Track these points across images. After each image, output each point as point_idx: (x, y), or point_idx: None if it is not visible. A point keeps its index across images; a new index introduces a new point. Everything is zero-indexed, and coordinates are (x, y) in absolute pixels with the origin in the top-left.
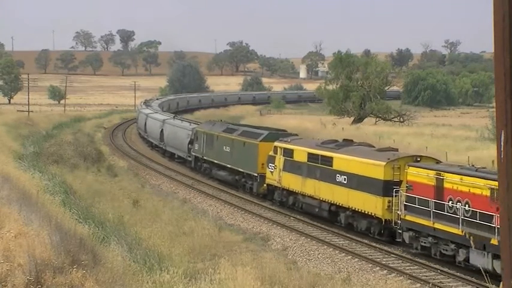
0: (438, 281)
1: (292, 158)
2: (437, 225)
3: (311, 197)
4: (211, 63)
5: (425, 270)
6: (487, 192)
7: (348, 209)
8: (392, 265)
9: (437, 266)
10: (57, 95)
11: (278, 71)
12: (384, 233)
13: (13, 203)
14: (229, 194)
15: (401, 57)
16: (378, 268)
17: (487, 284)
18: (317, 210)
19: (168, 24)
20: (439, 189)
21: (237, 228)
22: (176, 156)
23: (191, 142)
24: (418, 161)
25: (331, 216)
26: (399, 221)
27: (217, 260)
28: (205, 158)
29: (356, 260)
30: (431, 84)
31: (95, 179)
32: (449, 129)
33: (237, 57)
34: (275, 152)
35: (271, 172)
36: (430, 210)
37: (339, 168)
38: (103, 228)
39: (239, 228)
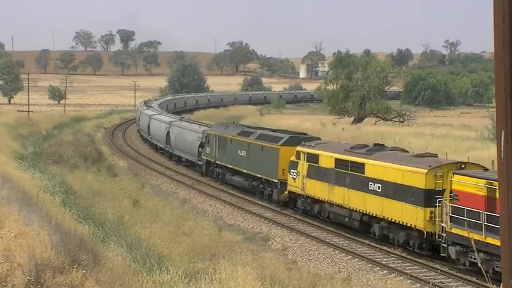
0: (438, 281)
1: (318, 163)
2: (491, 240)
3: (340, 206)
4: (211, 63)
5: (425, 270)
6: None
7: (382, 219)
8: (392, 265)
9: (437, 266)
10: (57, 95)
11: (278, 71)
12: (425, 246)
13: (13, 203)
14: (229, 194)
15: (401, 57)
16: (378, 268)
17: (487, 284)
18: (347, 220)
19: (168, 24)
20: (491, 200)
21: (237, 228)
22: (184, 159)
23: (202, 145)
24: (463, 168)
25: (363, 227)
26: (444, 234)
27: (217, 260)
28: (217, 162)
29: (356, 260)
30: (431, 84)
31: (95, 179)
32: (449, 129)
33: (237, 57)
34: (298, 157)
35: (294, 179)
36: (481, 223)
37: (372, 176)
38: (103, 228)
39: (239, 228)
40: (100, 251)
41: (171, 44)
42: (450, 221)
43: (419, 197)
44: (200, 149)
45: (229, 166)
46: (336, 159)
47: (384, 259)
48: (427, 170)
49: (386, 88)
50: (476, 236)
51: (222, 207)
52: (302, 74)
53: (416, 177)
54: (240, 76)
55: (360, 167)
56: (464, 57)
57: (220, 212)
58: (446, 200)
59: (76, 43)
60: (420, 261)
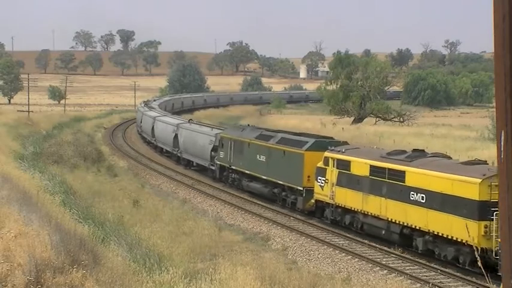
0: (438, 281)
1: (349, 171)
2: None
3: (375, 216)
4: (211, 63)
5: (425, 270)
6: None
7: (427, 233)
8: (392, 265)
9: (437, 266)
10: (57, 95)
11: (278, 71)
12: (477, 263)
13: (13, 203)
14: (229, 194)
15: (401, 57)
16: (378, 268)
17: (488, 284)
18: (384, 232)
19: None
20: None
21: (237, 228)
22: (194, 164)
23: (214, 149)
24: None
25: (403, 240)
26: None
27: (217, 260)
28: (233, 167)
29: (356, 260)
30: (431, 84)
31: (95, 179)
32: (449, 129)
33: (237, 57)
34: (326, 163)
35: (321, 187)
36: None
37: (415, 185)
38: (103, 228)
39: (239, 228)
40: (100, 251)
41: (171, 44)
42: None
43: (472, 210)
44: (213, 153)
45: (247, 172)
46: (371, 166)
47: (384, 259)
48: (481, 180)
49: (386, 88)
50: None
51: (222, 207)
52: (302, 74)
53: (468, 187)
54: (240, 76)
55: (400, 175)
56: (464, 57)
57: (220, 212)
58: None
59: (76, 43)
60: (420, 261)
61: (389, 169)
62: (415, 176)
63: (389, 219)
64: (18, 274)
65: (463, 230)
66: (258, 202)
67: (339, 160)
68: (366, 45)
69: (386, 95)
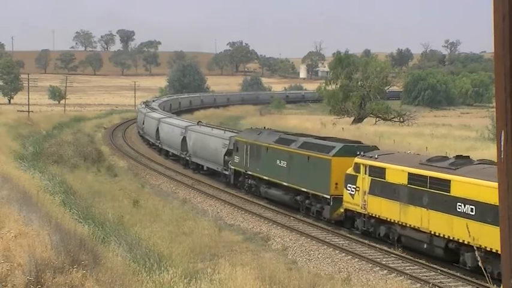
0: (438, 281)
1: (384, 178)
2: None
3: (415, 229)
4: (211, 63)
5: (425, 270)
6: None
7: (478, 249)
8: (392, 265)
9: (437, 266)
10: (57, 95)
11: (278, 71)
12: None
13: (13, 203)
14: (229, 194)
15: (401, 57)
16: (378, 268)
17: (488, 284)
18: (425, 246)
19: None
20: None
21: (237, 228)
22: (205, 168)
23: (228, 153)
24: None
25: (449, 255)
26: None
27: (217, 260)
28: (249, 172)
29: (356, 260)
30: (431, 84)
31: (95, 179)
32: (449, 129)
33: (237, 57)
34: (357, 170)
35: (352, 195)
36: None
37: (462, 195)
38: (103, 228)
39: (239, 228)
40: (100, 251)
41: (170, 43)
42: None
43: None
44: (226, 157)
45: (265, 177)
46: (409, 173)
47: (384, 259)
48: None
49: (386, 88)
50: None
51: (222, 207)
52: (302, 74)
53: None
54: (240, 76)
55: (444, 184)
56: (464, 57)
57: (220, 212)
58: None
59: (76, 43)
60: (420, 261)
61: (431, 177)
62: (463, 185)
63: (433, 232)
64: (18, 274)
65: None
66: (258, 202)
67: (371, 167)
68: (366, 45)
69: (387, 95)
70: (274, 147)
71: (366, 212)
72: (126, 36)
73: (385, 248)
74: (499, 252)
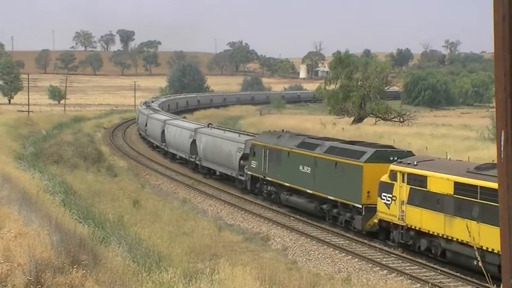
0: (438, 281)
1: (425, 187)
2: None
3: (463, 243)
4: (211, 63)
5: (425, 270)
6: None
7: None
8: (392, 265)
9: (437, 266)
10: (57, 95)
11: (278, 71)
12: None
13: (13, 203)
14: (229, 194)
15: (401, 57)
16: (378, 268)
17: (487, 284)
18: (476, 263)
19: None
20: None
21: (237, 228)
22: (218, 173)
23: (244, 158)
24: None
25: None
26: None
27: (217, 260)
28: (268, 178)
29: (356, 260)
30: (431, 84)
31: (95, 179)
32: (450, 129)
33: (237, 57)
34: (393, 177)
35: (387, 205)
36: None
37: None
38: (103, 228)
39: (239, 228)
40: (100, 251)
41: (170, 43)
42: None
43: None
44: (242, 161)
45: (286, 184)
46: (455, 183)
47: (384, 259)
48: None
49: (386, 88)
50: None
51: (222, 207)
52: (302, 74)
53: None
54: (240, 76)
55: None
56: (464, 57)
57: (220, 212)
58: None
59: (76, 43)
60: (420, 261)
61: (482, 187)
62: None
63: (484, 248)
64: (18, 274)
65: None
66: (258, 202)
67: (410, 174)
68: (366, 45)
69: (387, 95)
70: (297, 152)
71: (404, 224)
72: (126, 36)
73: (385, 248)
74: None
